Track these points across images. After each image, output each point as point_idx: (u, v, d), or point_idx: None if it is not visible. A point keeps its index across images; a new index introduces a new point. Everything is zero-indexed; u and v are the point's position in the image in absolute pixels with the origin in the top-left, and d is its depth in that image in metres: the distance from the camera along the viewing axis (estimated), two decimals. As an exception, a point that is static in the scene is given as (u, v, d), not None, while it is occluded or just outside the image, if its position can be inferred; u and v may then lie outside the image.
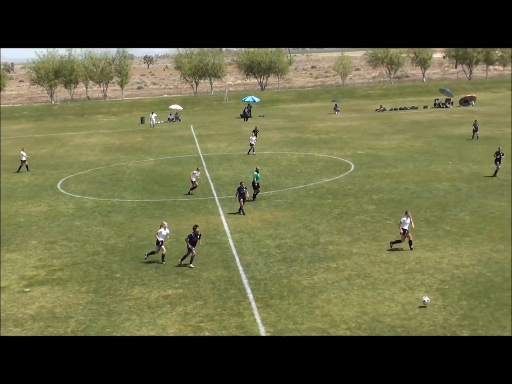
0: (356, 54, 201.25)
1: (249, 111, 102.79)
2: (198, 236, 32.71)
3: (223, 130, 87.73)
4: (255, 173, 46.56)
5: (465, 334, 24.12)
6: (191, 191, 48.95)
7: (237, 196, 42.00)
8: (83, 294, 29.66)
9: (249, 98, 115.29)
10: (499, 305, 26.76)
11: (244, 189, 41.95)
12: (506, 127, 77.82)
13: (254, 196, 46.10)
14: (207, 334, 24.83)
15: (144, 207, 45.51)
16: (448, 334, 24.16)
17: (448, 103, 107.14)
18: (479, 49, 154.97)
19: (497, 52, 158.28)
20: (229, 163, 61.73)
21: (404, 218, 34.13)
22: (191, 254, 32.50)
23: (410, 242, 34.06)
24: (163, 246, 33.52)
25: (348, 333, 24.47)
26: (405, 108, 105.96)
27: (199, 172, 49.72)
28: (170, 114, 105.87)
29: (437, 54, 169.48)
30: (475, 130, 69.88)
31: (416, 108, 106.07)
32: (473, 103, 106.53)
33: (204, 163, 62.03)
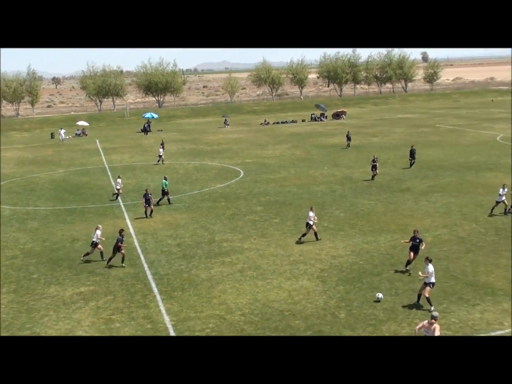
0: (242, 75, 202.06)
1: (149, 126, 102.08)
2: (123, 238, 32.32)
3: (126, 143, 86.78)
4: (164, 180, 46.30)
5: (342, 314, 24.85)
6: (117, 197, 48.57)
7: (144, 201, 41.73)
8: (4, 294, 29.00)
9: (148, 115, 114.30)
10: (370, 288, 27.67)
11: (149, 195, 41.74)
12: (372, 137, 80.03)
13: (168, 200, 45.98)
14: (117, 325, 24.74)
15: (56, 214, 44.69)
16: (328, 315, 24.84)
17: (323, 117, 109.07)
18: (348, 71, 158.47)
19: (362, 73, 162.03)
20: (132, 173, 61.16)
21: (310, 213, 34.97)
22: (121, 254, 32.08)
23: (315, 234, 35.12)
24: (99, 246, 33.17)
25: (242, 319, 24.83)
26: (286, 122, 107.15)
27: (120, 179, 49.31)
28: (78, 130, 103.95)
29: (312, 74, 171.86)
30: (348, 140, 71.46)
31: (295, 121, 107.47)
32: (344, 117, 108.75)
33: (109, 173, 61.27)
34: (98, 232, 33.49)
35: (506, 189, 38.43)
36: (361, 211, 41.28)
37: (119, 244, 31.98)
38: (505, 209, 38.62)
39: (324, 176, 54.69)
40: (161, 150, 67.45)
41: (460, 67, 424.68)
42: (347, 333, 23.21)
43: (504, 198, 38.38)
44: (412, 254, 29.65)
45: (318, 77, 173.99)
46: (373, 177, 52.01)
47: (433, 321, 19.67)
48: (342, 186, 49.96)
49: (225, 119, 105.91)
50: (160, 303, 26.95)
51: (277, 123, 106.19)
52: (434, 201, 43.28)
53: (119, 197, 48.73)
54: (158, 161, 66.67)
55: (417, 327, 20.22)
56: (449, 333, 22.74)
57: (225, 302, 26.79)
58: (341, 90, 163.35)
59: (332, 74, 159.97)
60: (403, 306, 25.54)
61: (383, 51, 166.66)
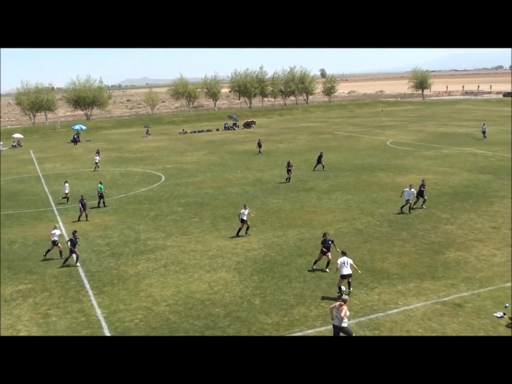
0: (162, 90, 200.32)
1: (78, 136, 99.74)
2: (77, 239, 31.25)
3: (57, 153, 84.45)
4: (99, 185, 45.35)
5: (257, 301, 24.76)
6: (67, 200, 47.33)
7: (80, 206, 40.50)
8: None
9: (77, 126, 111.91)
10: (281, 277, 27.70)
11: (84, 201, 40.56)
12: (279, 144, 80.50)
13: (104, 203, 44.97)
14: (54, 319, 23.98)
15: (-8, 219, 43.06)
16: (245, 303, 24.72)
17: (235, 126, 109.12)
18: (256, 85, 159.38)
19: (269, 87, 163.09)
20: (64, 179, 59.51)
21: (243, 210, 34.75)
22: (74, 255, 31.03)
23: (247, 228, 35.08)
24: (59, 244, 32.18)
25: (167, 309, 24.48)
26: (202, 131, 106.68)
27: (67, 184, 48.34)
28: (14, 142, 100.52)
29: (225, 89, 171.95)
30: (259, 146, 71.58)
31: (210, 130, 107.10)
32: (254, 126, 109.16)
33: (43, 180, 59.42)
34: (57, 231, 32.37)
35: (413, 189, 38.89)
36: (271, 209, 41.34)
37: (72, 243, 30.82)
38: (410, 207, 38.86)
39: (238, 178, 54.58)
40: (97, 157, 65.87)
41: (354, 82, 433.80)
42: (262, 317, 23.14)
43: (410, 198, 38.64)
44: (321, 255, 28.84)
45: (230, 91, 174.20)
46: (287, 179, 51.59)
47: (342, 303, 19.98)
48: (254, 187, 49.96)
49: (147, 129, 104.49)
50: (92, 298, 26.26)
51: (194, 132, 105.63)
52: (335, 198, 43.79)
53: (65, 199, 47.60)
54: (95, 168, 65.02)
55: (331, 306, 20.55)
56: (351, 313, 22.94)
57: (151, 294, 26.30)
58: (250, 102, 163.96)
59: (242, 89, 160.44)
60: (311, 292, 25.67)
61: (286, 68, 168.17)
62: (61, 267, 30.81)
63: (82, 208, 40.47)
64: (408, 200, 38.46)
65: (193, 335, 21.81)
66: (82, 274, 29.60)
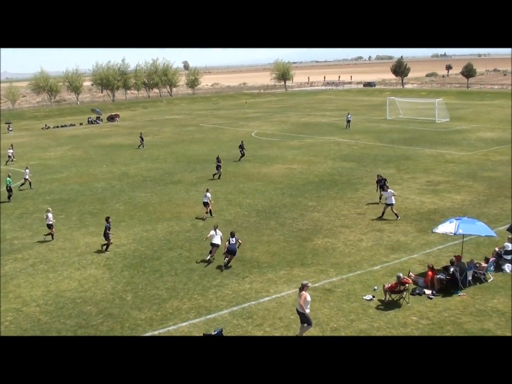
0: (22, 84, 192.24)
1: None
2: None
3: None
4: (8, 178, 44.45)
5: (129, 297, 24.60)
6: (30, 185, 48.87)
7: None
8: None
9: None
10: (152, 271, 27.65)
11: None
12: (145, 137, 79.57)
13: (10, 197, 44.21)
14: None
15: None
16: (117, 299, 24.48)
17: (99, 120, 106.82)
18: (119, 78, 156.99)
19: (131, 80, 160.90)
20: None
21: (208, 194, 36.52)
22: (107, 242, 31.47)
23: (210, 212, 36.58)
24: (52, 228, 33.50)
25: (38, 309, 23.86)
26: (65, 126, 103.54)
27: (28, 169, 49.78)
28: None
29: (87, 82, 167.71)
30: (141, 140, 70.24)
31: (74, 125, 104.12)
32: (118, 119, 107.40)
33: None
34: (49, 214, 33.55)
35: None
36: (139, 203, 41.01)
37: (107, 231, 31.00)
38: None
39: (103, 173, 53.59)
40: (10, 151, 63.80)
41: (217, 74, 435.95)
42: (135, 313, 23.01)
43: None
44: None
45: (92, 84, 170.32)
46: (217, 176, 48.82)
47: (302, 289, 20.09)
48: (120, 181, 49.28)
49: (8, 125, 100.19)
50: (-47, 303, 24.99)
51: (57, 127, 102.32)
52: (202, 190, 43.81)
53: (25, 185, 48.78)
54: (7, 161, 62.81)
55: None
56: (223, 303, 23.32)
57: (20, 295, 25.43)
58: (113, 95, 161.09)
59: (105, 81, 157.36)
60: (183, 284, 25.80)
61: (149, 60, 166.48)
62: None
63: None
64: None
65: (66, 334, 21.33)
66: None
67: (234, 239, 27.70)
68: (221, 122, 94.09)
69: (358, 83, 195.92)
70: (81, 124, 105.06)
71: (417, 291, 24.07)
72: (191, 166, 54.67)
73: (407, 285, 23.36)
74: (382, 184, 37.85)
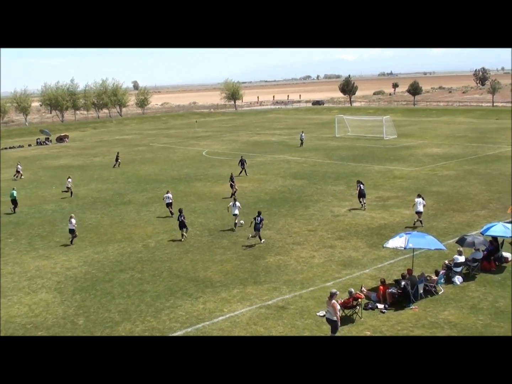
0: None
1: None
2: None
3: None
4: (13, 191, 46.72)
5: (81, 321, 24.13)
6: (71, 194, 51.23)
7: None
8: None
9: None
10: (104, 294, 27.21)
11: None
12: (94, 157, 78.82)
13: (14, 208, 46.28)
14: None
15: None
16: (68, 323, 23.97)
17: (47, 141, 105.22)
18: (68, 98, 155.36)
19: (81, 100, 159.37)
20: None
21: (169, 195, 40.78)
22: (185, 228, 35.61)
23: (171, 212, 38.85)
24: (76, 232, 36.48)
25: (-16, 336, 23.11)
26: (14, 147, 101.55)
27: (70, 179, 52.43)
28: None
29: (35, 103, 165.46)
30: (117, 160, 69.02)
31: (22, 146, 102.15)
32: (67, 140, 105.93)
33: None
34: (73, 220, 35.73)
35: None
36: (89, 225, 40.39)
37: (183, 219, 35.18)
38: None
39: (53, 195, 52.64)
40: (19, 167, 65.21)
41: (167, 94, 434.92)
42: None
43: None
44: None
45: (41, 105, 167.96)
46: (233, 193, 47.11)
47: (331, 298, 20.69)
48: (70, 203, 48.49)
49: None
50: None
51: (6, 148, 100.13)
52: (153, 210, 43.73)
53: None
54: (15, 176, 64.15)
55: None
56: (177, 325, 23.06)
57: (-36, 323, 24.65)
58: (62, 116, 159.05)
59: (54, 102, 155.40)
60: (136, 306, 25.43)
61: (98, 80, 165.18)
62: None
63: None
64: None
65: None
66: None
67: (259, 218, 33.66)
68: (171, 142, 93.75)
69: (307, 101, 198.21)
70: (29, 145, 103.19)
71: (370, 306, 24.24)
72: (142, 186, 54.20)
73: (359, 300, 23.52)
74: (362, 188, 40.75)
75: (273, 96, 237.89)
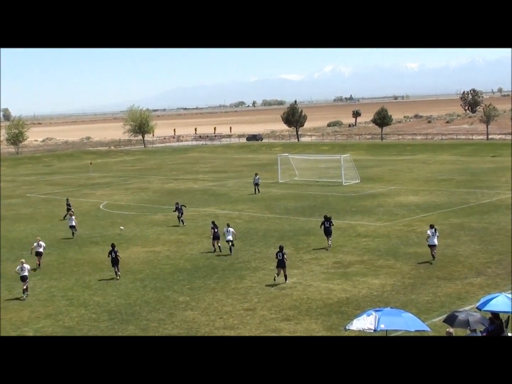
0: None
1: None
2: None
3: None
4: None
5: None
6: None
7: None
8: None
9: None
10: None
11: None
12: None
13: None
14: None
15: None
16: None
17: None
18: None
19: None
20: None
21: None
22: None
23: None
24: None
25: None
26: None
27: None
28: None
29: None
30: (68, 208, 67.37)
31: None
32: None
33: None
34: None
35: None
36: None
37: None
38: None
39: None
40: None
41: (50, 126, 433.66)
42: None
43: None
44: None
45: None
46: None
47: None
48: None
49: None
50: None
51: None
52: (31, 287, 42.70)
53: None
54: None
55: None
56: None
57: None
58: None
59: None
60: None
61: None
62: None
63: None
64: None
65: None
66: None
67: (281, 253, 40.04)
68: (56, 191, 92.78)
69: (240, 136, 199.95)
70: None
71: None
72: (15, 254, 52.91)
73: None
74: (327, 226, 45.23)
75: (195, 129, 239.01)
